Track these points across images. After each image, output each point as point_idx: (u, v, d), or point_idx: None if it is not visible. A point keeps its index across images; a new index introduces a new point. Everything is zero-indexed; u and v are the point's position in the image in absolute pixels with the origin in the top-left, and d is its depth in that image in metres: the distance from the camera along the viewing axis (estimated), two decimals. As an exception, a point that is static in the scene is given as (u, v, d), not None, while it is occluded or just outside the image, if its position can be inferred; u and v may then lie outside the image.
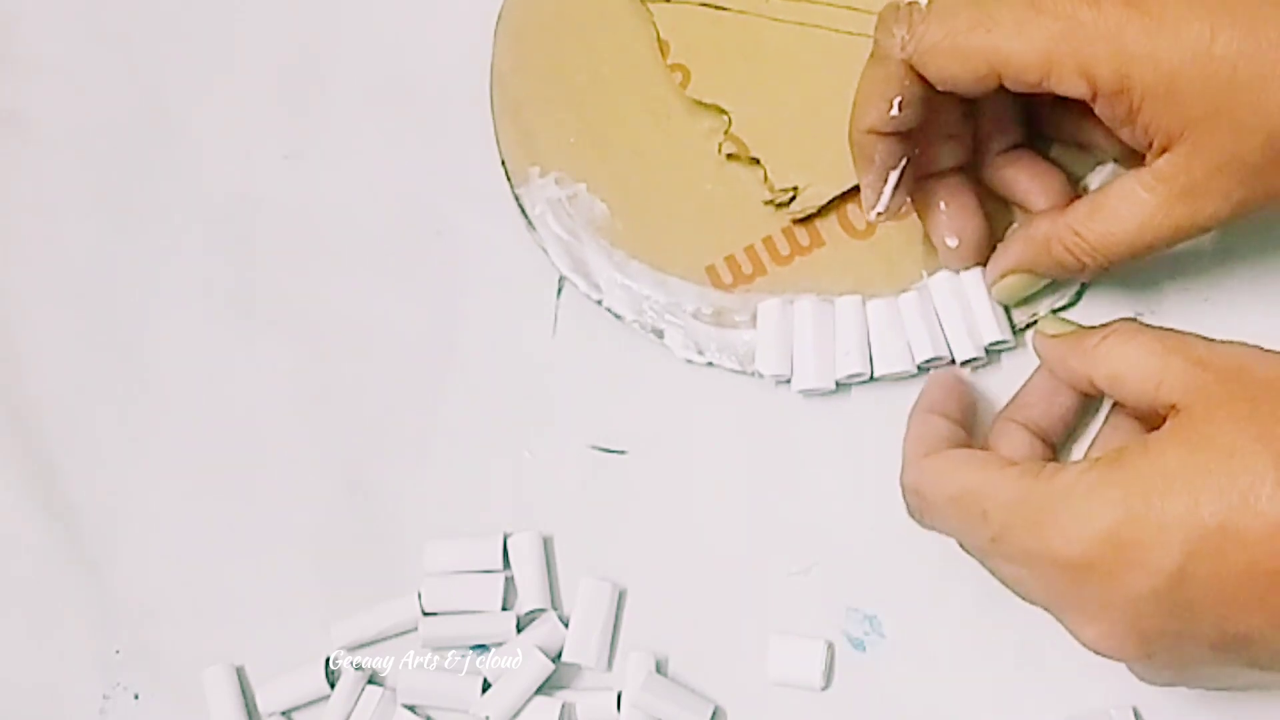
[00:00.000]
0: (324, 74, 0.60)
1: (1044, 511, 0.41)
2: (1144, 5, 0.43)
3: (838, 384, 0.53)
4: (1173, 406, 0.41)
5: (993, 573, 0.44)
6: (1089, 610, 0.41)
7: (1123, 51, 0.43)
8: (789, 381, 0.53)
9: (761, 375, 0.53)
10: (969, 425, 0.50)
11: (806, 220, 0.54)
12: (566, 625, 0.52)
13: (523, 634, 0.52)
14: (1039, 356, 0.48)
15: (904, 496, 0.47)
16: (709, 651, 0.52)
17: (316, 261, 0.58)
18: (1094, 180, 0.52)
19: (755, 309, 0.54)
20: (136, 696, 0.55)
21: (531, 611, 0.52)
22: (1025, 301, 0.51)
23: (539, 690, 0.52)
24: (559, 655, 0.52)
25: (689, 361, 0.54)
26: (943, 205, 0.51)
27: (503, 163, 0.57)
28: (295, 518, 0.56)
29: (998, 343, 0.52)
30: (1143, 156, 0.46)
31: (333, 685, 0.53)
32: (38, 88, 0.62)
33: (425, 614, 0.53)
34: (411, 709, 0.52)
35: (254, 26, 0.62)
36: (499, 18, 0.58)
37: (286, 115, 0.60)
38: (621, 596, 0.53)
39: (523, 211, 0.56)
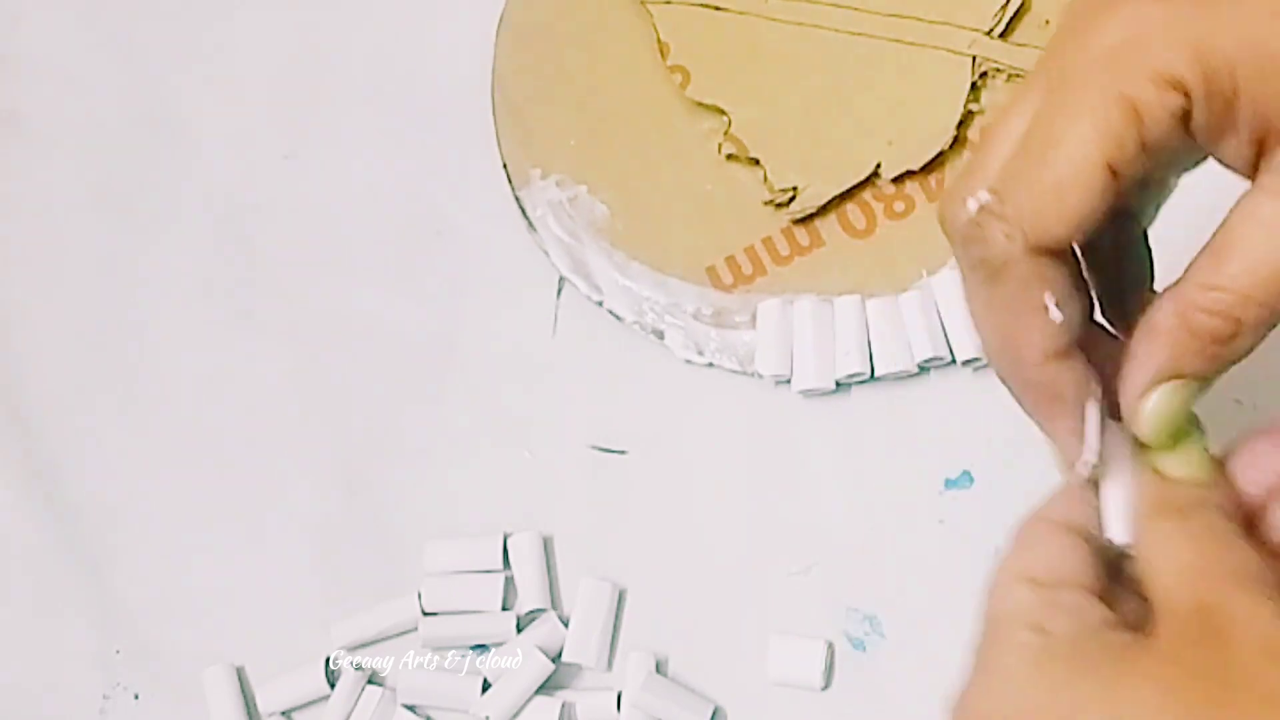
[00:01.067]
0: (324, 75, 0.60)
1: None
2: None
3: (838, 384, 0.53)
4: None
5: None
6: None
7: (1191, 39, 0.34)
8: (789, 381, 0.53)
9: (761, 375, 0.53)
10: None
11: (806, 220, 0.55)
12: (566, 625, 0.52)
13: (523, 634, 0.52)
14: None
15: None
16: (709, 651, 0.52)
17: (316, 261, 0.59)
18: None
19: (755, 309, 0.54)
20: (136, 696, 0.55)
21: (531, 611, 0.52)
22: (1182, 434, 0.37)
23: (539, 690, 0.51)
24: (559, 655, 0.52)
25: (689, 362, 0.54)
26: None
27: (504, 165, 0.57)
28: (295, 518, 0.56)
29: (998, 342, 0.52)
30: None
31: (333, 685, 0.53)
32: (38, 88, 0.62)
33: (425, 614, 0.53)
34: (411, 709, 0.52)
35: (254, 27, 0.62)
36: (500, 20, 0.58)
37: (286, 115, 0.60)
38: (621, 596, 0.53)
39: (524, 213, 0.56)
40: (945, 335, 0.52)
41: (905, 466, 0.52)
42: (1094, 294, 0.39)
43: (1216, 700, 0.32)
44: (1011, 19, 0.55)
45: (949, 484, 0.52)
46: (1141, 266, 0.40)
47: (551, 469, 0.55)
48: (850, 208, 0.54)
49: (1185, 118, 0.34)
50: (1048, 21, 0.54)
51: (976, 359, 0.52)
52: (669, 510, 0.53)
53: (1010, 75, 0.54)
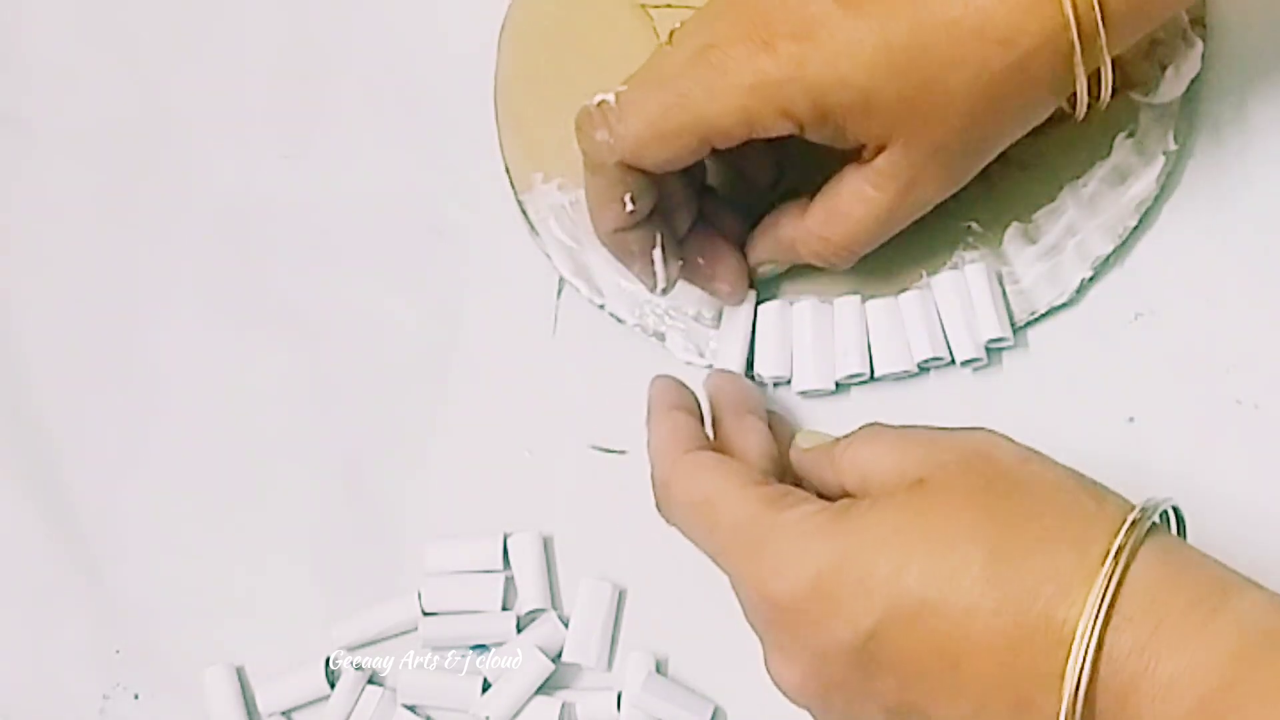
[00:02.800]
0: (326, 76, 0.60)
1: (765, 543, 0.42)
2: (815, 37, 0.45)
3: (837, 385, 0.53)
4: (918, 480, 0.42)
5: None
6: (785, 649, 0.42)
7: (813, 85, 0.45)
8: (789, 383, 0.53)
9: (761, 377, 0.53)
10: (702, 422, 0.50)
11: (806, 221, 0.55)
12: (566, 625, 0.52)
13: (523, 634, 0.52)
14: (795, 470, 0.48)
15: (654, 490, 0.47)
16: (709, 651, 0.52)
17: (316, 262, 0.59)
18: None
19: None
20: (136, 696, 0.55)
21: (531, 611, 0.52)
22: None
23: (539, 690, 0.52)
24: (559, 655, 0.52)
25: (690, 364, 0.54)
26: (700, 260, 0.52)
27: (506, 169, 0.57)
28: (295, 518, 0.56)
29: (997, 341, 0.52)
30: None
31: (333, 685, 0.53)
32: (38, 88, 0.62)
33: (425, 614, 0.53)
34: (411, 709, 0.52)
35: (254, 27, 0.62)
36: (503, 24, 0.58)
37: (286, 115, 0.60)
38: (621, 596, 0.53)
39: (525, 217, 0.56)
40: (945, 336, 0.52)
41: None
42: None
43: (1007, 501, 0.40)
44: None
45: (949, 484, 0.52)
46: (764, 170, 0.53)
47: (551, 469, 0.55)
48: (850, 208, 0.54)
49: (790, 123, 0.46)
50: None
51: (976, 359, 0.52)
52: (669, 510, 0.53)
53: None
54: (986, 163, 0.49)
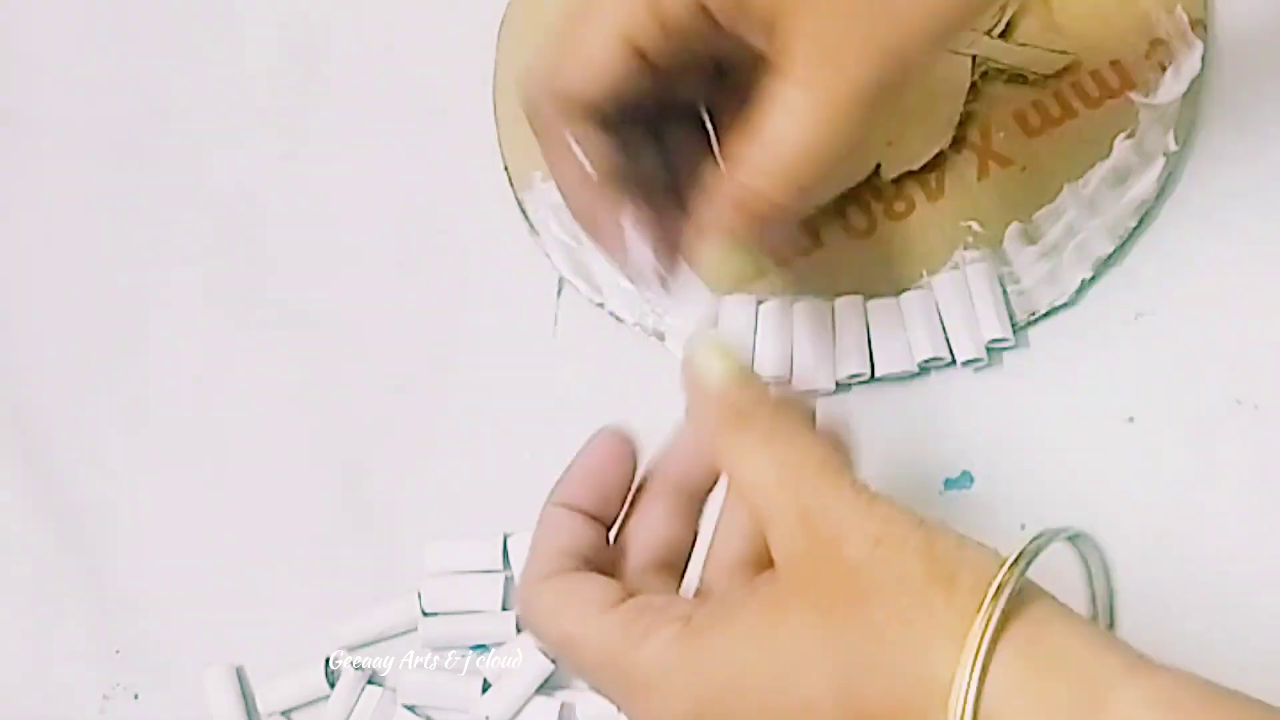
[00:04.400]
0: (325, 75, 0.60)
1: (630, 684, 0.38)
2: None
3: (838, 384, 0.53)
4: (772, 561, 0.37)
5: None
6: None
7: None
8: (789, 383, 0.53)
9: (761, 378, 0.53)
10: (614, 506, 0.43)
11: (805, 222, 0.54)
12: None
13: (523, 634, 0.52)
14: (687, 414, 0.41)
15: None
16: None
17: (316, 261, 0.59)
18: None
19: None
20: (136, 696, 0.55)
21: (532, 611, 0.52)
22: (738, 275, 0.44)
23: (539, 690, 0.52)
24: (559, 655, 0.52)
25: (689, 364, 0.54)
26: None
27: (505, 168, 0.57)
28: (295, 518, 0.56)
29: (998, 341, 0.52)
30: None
31: (332, 685, 0.53)
32: (38, 88, 0.62)
33: (425, 614, 0.53)
34: (411, 709, 0.52)
35: (254, 28, 0.62)
36: (501, 23, 0.58)
37: (286, 115, 0.60)
38: (621, 597, 0.53)
39: (525, 216, 0.56)
40: (945, 336, 0.52)
41: (905, 467, 0.52)
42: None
43: (851, 610, 0.35)
44: (1011, 19, 0.55)
45: (949, 484, 0.52)
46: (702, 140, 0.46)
47: (551, 469, 0.55)
48: (850, 208, 0.54)
49: (700, 10, 0.40)
50: (1048, 21, 0.54)
51: (977, 359, 0.52)
52: (669, 510, 0.53)
53: (1010, 75, 0.54)
54: (918, 51, 0.40)
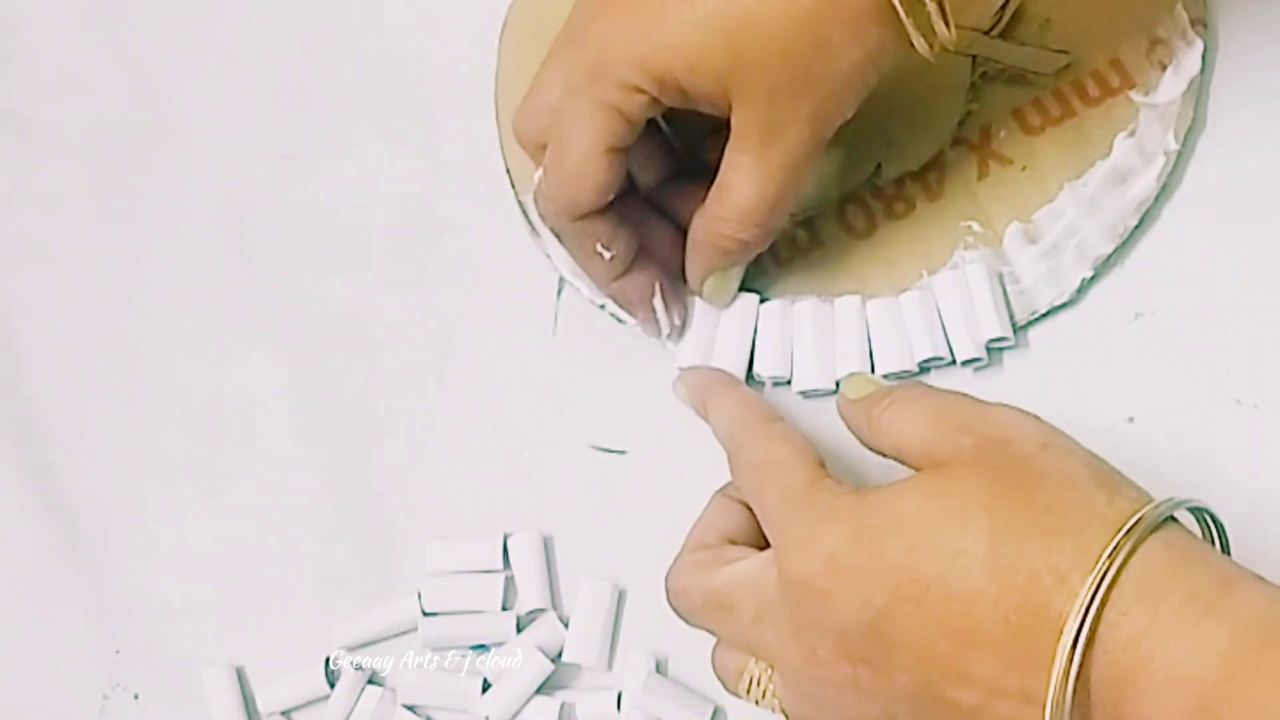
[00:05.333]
0: (326, 76, 0.60)
1: (792, 523, 0.43)
2: (633, 12, 0.47)
3: (838, 384, 0.53)
4: (938, 464, 0.43)
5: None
6: (806, 628, 0.43)
7: (638, 58, 0.47)
8: (789, 383, 0.53)
9: (761, 377, 0.53)
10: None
11: (805, 221, 0.55)
12: (566, 625, 0.52)
13: (523, 634, 0.52)
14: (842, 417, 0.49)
15: (726, 450, 0.49)
16: (709, 651, 0.52)
17: (316, 262, 0.58)
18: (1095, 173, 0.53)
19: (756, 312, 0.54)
20: (136, 696, 0.55)
21: (532, 611, 0.52)
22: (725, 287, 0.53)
23: (539, 690, 0.52)
24: (559, 655, 0.52)
25: (687, 368, 0.54)
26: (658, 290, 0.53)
27: (506, 169, 0.57)
28: (295, 518, 0.56)
29: (998, 340, 0.52)
30: None
31: (332, 685, 0.53)
32: (38, 88, 0.62)
33: (425, 614, 0.53)
34: (411, 709, 0.52)
35: (254, 27, 0.62)
36: (503, 26, 0.58)
37: (286, 115, 0.60)
38: (621, 596, 0.53)
39: (526, 217, 0.56)
40: (945, 335, 0.52)
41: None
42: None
43: (1017, 489, 0.40)
44: (1011, 19, 0.55)
45: (949, 484, 0.52)
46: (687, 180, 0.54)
47: (551, 469, 0.55)
48: (850, 208, 0.54)
49: (655, 103, 0.48)
50: (1048, 20, 0.54)
51: (977, 359, 0.52)
52: (669, 510, 0.53)
53: (1010, 75, 0.54)
54: (845, 106, 0.48)
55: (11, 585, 0.57)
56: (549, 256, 0.56)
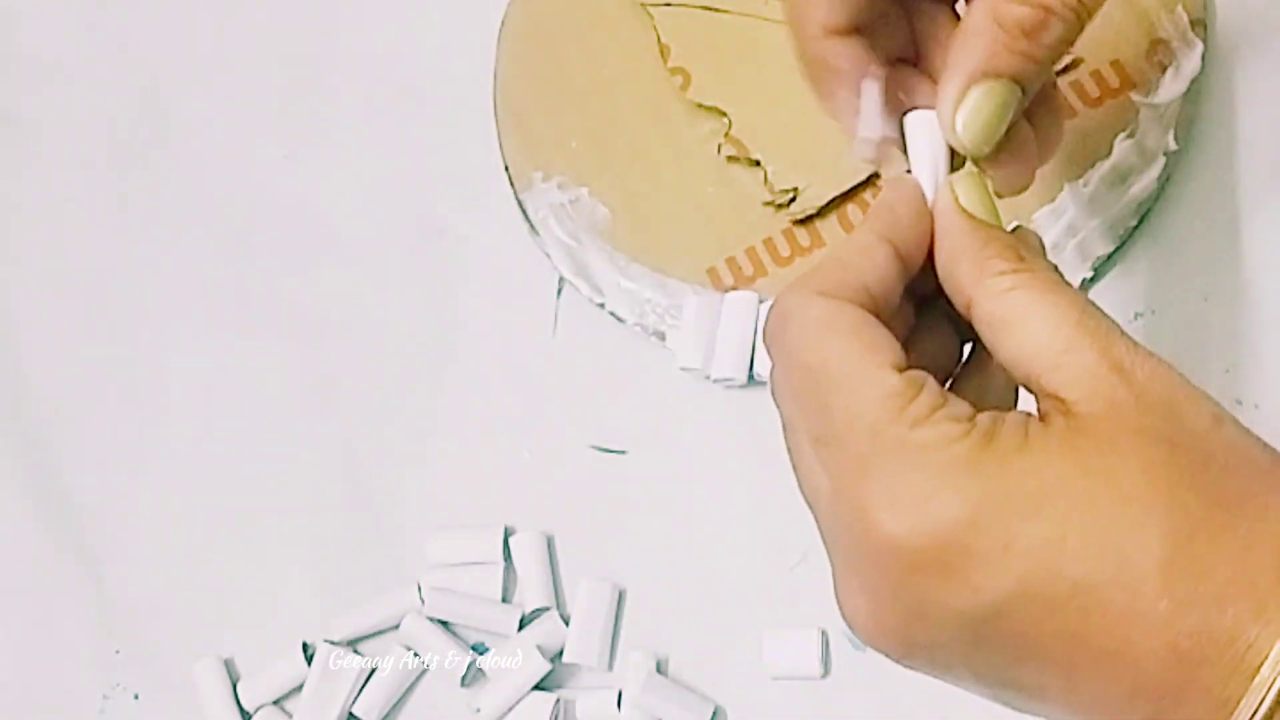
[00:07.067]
0: (325, 75, 0.61)
1: (884, 462, 0.33)
2: None
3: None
4: (1063, 401, 0.33)
5: (795, 467, 0.36)
6: (875, 592, 0.34)
7: None
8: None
9: (762, 378, 0.53)
10: (918, 259, 0.37)
11: (807, 221, 0.55)
12: (567, 624, 0.52)
13: (523, 632, 0.52)
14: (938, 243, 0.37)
15: (768, 321, 0.36)
16: (709, 651, 0.52)
17: (316, 261, 0.59)
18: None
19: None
20: (136, 696, 0.55)
21: (535, 610, 0.52)
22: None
23: (538, 689, 0.52)
24: (560, 654, 0.52)
25: (688, 369, 0.54)
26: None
27: (505, 167, 0.57)
28: (295, 520, 0.56)
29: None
30: None
31: (329, 677, 0.52)
32: (38, 88, 0.62)
33: (424, 607, 0.53)
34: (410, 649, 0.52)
35: (254, 27, 0.62)
36: (501, 23, 0.58)
37: (287, 116, 0.60)
38: (621, 596, 0.53)
39: (525, 216, 0.56)
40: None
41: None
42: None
43: (1195, 471, 0.32)
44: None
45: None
46: None
47: (551, 469, 0.55)
48: (851, 208, 0.54)
49: None
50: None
51: (978, 359, 0.52)
52: (669, 510, 0.53)
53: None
54: None
55: (11, 585, 0.57)
56: (549, 256, 0.56)
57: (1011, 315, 0.34)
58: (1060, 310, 0.34)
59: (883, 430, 0.33)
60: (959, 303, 0.36)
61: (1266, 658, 0.30)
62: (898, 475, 0.33)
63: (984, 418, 0.33)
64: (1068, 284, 0.35)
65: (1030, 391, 0.34)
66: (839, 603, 0.35)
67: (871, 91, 0.38)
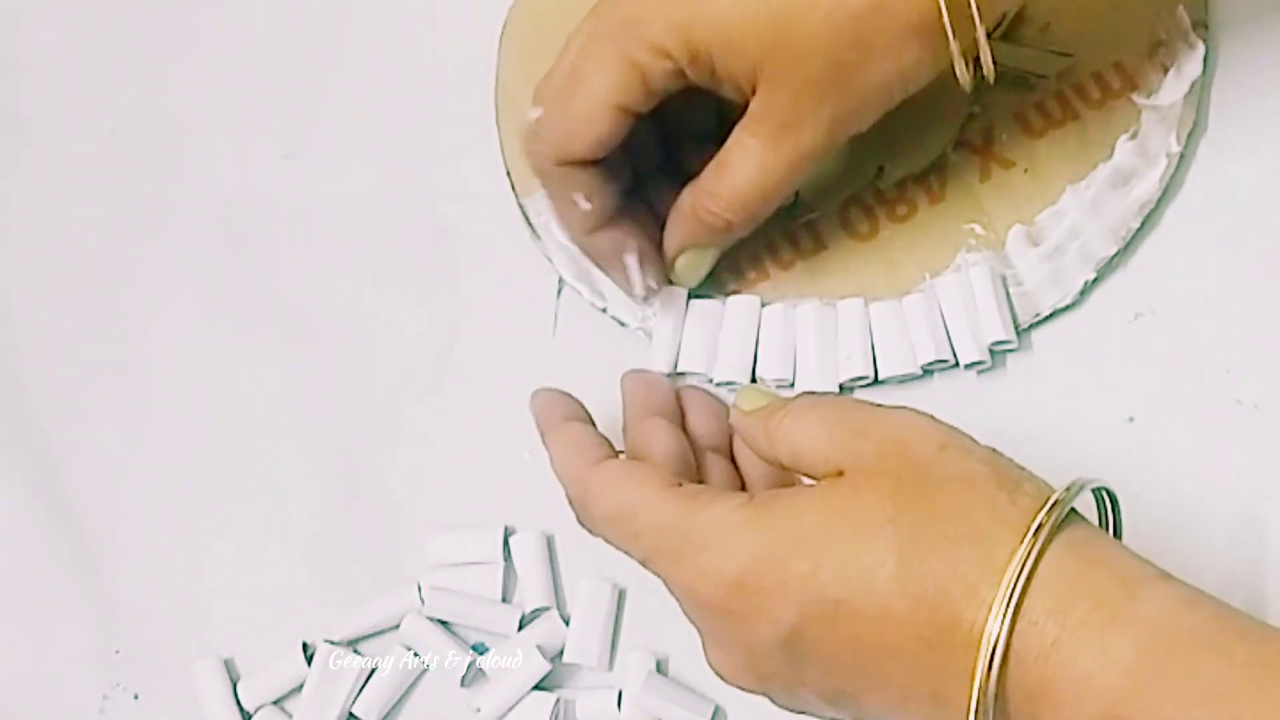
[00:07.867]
0: (326, 76, 0.60)
1: (687, 544, 0.42)
2: None
3: (841, 387, 0.53)
4: (839, 472, 0.42)
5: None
6: (720, 643, 0.43)
7: (677, 22, 0.47)
8: (792, 385, 0.53)
9: (764, 380, 0.53)
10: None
11: (807, 224, 0.55)
12: (567, 624, 0.52)
13: (523, 632, 0.52)
14: (736, 431, 0.48)
15: (571, 505, 0.47)
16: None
17: (316, 262, 0.59)
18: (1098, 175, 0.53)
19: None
20: (136, 696, 0.55)
21: (535, 610, 0.52)
22: (707, 278, 0.53)
23: (538, 688, 0.52)
24: (560, 654, 0.52)
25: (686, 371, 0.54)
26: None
27: (507, 172, 0.57)
28: (295, 520, 0.56)
29: (1001, 343, 0.52)
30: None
31: (329, 677, 0.52)
32: (38, 88, 0.62)
33: (424, 606, 0.53)
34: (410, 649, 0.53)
35: (254, 27, 0.62)
36: (504, 28, 0.58)
37: (286, 116, 0.60)
38: (621, 596, 0.53)
39: (527, 220, 0.56)
40: (949, 338, 0.52)
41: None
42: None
43: (918, 495, 0.40)
44: (1012, 21, 0.55)
45: (950, 485, 0.52)
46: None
47: (551, 469, 0.55)
48: (852, 211, 0.54)
49: (679, 74, 0.48)
50: (1049, 22, 0.54)
51: (980, 362, 0.52)
52: (670, 511, 0.53)
53: (1012, 78, 0.54)
54: (865, 116, 0.49)
55: (11, 585, 0.57)
56: (550, 260, 0.56)
57: (793, 451, 0.44)
58: (817, 422, 0.43)
59: (678, 523, 0.43)
60: (769, 459, 0.46)
61: (983, 631, 0.38)
62: (699, 549, 0.42)
63: (763, 494, 0.43)
64: (818, 400, 0.45)
65: (815, 479, 0.43)
66: (708, 663, 0.44)
67: (632, 262, 0.51)
